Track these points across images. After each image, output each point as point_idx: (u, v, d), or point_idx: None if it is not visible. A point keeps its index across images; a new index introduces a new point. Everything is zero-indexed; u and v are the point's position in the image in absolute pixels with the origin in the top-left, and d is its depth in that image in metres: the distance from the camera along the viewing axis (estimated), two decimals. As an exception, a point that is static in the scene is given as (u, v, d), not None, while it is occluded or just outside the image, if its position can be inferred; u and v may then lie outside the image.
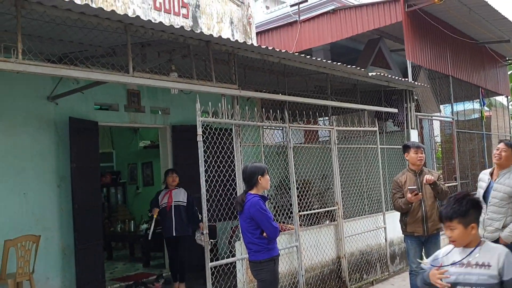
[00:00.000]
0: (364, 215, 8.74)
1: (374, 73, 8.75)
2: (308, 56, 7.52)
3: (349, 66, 8.15)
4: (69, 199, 7.82)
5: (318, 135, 11.92)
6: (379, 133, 9.13)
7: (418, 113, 10.84)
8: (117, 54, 6.81)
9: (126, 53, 5.45)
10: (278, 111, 7.15)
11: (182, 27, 5.45)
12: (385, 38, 12.59)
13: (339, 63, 7.98)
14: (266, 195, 5.15)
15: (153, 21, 5.38)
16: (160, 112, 9.92)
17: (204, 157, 5.75)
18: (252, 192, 4.63)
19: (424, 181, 5.94)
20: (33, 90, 7.58)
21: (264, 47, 6.69)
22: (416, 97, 10.80)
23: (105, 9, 4.77)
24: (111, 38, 6.03)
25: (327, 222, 8.17)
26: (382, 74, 9.12)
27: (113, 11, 4.76)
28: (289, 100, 8.02)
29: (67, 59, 6.20)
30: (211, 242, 5.70)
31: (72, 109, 8.09)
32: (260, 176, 4.62)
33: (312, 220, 7.77)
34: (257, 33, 12.76)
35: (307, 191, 7.84)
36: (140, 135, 13.96)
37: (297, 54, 7.23)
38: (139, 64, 6.44)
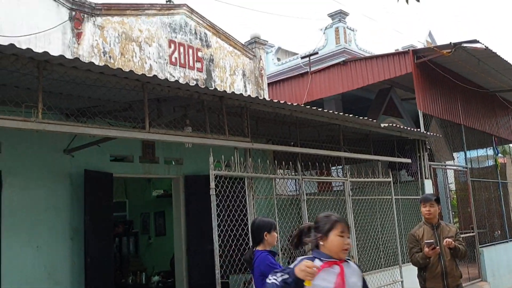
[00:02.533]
0: (380, 268, 8.54)
1: (386, 124, 8.80)
2: (320, 109, 7.62)
3: (361, 117, 8.23)
4: (81, 252, 7.79)
5: (331, 184, 11.87)
6: (393, 183, 9.07)
7: (432, 163, 10.79)
8: (134, 108, 6.98)
9: (142, 108, 5.58)
10: (290, 162, 7.18)
11: (197, 84, 5.61)
12: (396, 88, 12.75)
13: (350, 115, 8.06)
14: (276, 249, 5.05)
15: (169, 75, 5.58)
16: (173, 163, 10.01)
17: (217, 211, 5.74)
18: (259, 248, 4.54)
19: (444, 244, 5.80)
20: (50, 144, 7.72)
21: (276, 100, 6.81)
22: (429, 146, 10.79)
23: (122, 65, 4.95)
24: (129, 95, 6.19)
25: (342, 275, 7.98)
26: (394, 125, 9.17)
27: (131, 71, 4.92)
28: (302, 152, 8.06)
29: (83, 114, 6.41)
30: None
31: (87, 162, 8.20)
32: (266, 232, 4.51)
33: (327, 273, 7.59)
34: (269, 84, 13.01)
35: (321, 244, 7.71)
36: (153, 184, 14.01)
37: (308, 107, 7.34)
38: (154, 119, 6.58)
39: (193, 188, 9.72)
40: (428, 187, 10.11)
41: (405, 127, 9.59)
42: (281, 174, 7.13)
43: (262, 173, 6.65)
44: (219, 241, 5.75)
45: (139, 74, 5.00)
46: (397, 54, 10.93)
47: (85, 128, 4.79)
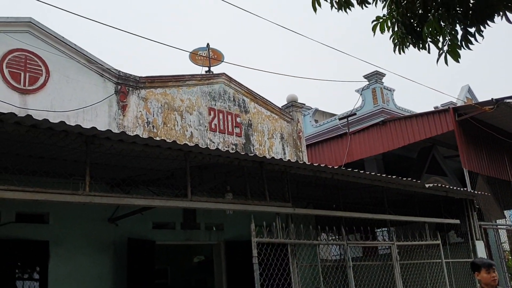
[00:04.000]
0: (435, 338, 8.00)
1: (430, 185, 8.55)
2: (362, 171, 7.51)
3: (404, 178, 8.05)
4: (124, 322, 7.70)
5: (377, 247, 11.46)
6: (442, 245, 8.67)
7: (482, 222, 10.30)
8: (176, 176, 7.10)
9: (184, 176, 5.67)
10: (334, 227, 7.02)
11: (237, 151, 5.68)
12: (438, 145, 12.50)
13: (393, 176, 7.90)
14: None
15: (209, 142, 5.70)
16: (214, 228, 9.97)
17: (260, 280, 5.61)
18: None
19: None
20: (95, 213, 7.87)
21: (316, 164, 6.78)
22: (477, 206, 10.35)
23: (165, 134, 5.11)
24: (171, 164, 6.32)
25: None
26: (438, 184, 8.90)
27: (174, 141, 5.06)
28: (345, 216, 7.89)
29: (127, 184, 6.56)
30: None
31: (131, 230, 8.28)
32: None
33: None
34: (307, 146, 13.03)
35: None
36: (194, 250, 13.93)
37: (349, 169, 7.26)
38: (196, 186, 6.66)
39: (235, 254, 9.60)
40: (480, 249, 9.59)
41: (450, 186, 9.28)
42: (325, 239, 6.95)
43: (305, 239, 6.51)
44: (263, 312, 5.57)
45: (182, 144, 5.13)
46: (437, 112, 10.82)
47: (130, 199, 4.88)
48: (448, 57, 4.78)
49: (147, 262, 8.37)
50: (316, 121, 16.13)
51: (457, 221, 9.30)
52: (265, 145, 11.37)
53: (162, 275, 14.56)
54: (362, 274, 8.14)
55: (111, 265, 7.99)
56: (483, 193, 10.05)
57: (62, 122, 4.26)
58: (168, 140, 5.03)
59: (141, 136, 5.05)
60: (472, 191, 9.69)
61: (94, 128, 4.47)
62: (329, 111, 17.48)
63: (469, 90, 16.88)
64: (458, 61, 5.39)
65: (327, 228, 6.87)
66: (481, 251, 9.48)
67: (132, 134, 4.92)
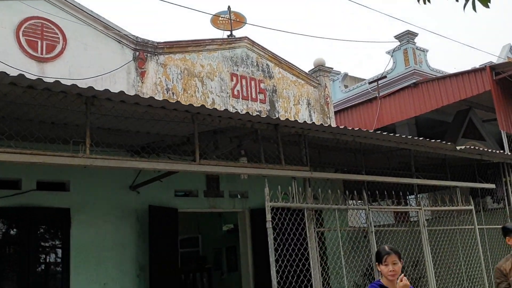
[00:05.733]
0: (466, 306, 7.66)
1: (462, 147, 8.06)
2: (392, 134, 7.12)
3: (433, 140, 7.59)
4: (147, 288, 7.75)
5: (408, 215, 11.07)
6: (476, 211, 8.21)
7: (521, 187, 9.70)
8: (192, 142, 6.93)
9: (200, 141, 5.48)
10: (355, 191, 6.72)
11: (247, 113, 5.44)
12: (476, 109, 11.82)
13: (421, 138, 7.47)
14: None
15: (231, 108, 5.47)
16: (239, 196, 9.86)
17: (274, 245, 5.42)
18: (381, 278, 4.12)
19: None
20: (116, 181, 7.87)
21: (335, 126, 6.45)
22: (516, 170, 9.74)
23: (185, 101, 4.91)
24: (187, 128, 6.13)
25: (422, 315, 7.24)
26: (473, 147, 8.38)
27: (178, 102, 4.87)
28: (367, 180, 7.55)
29: (145, 150, 6.46)
30: None
31: (152, 197, 8.26)
32: (378, 263, 4.10)
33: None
34: (336, 112, 12.62)
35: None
36: (224, 219, 13.94)
37: (371, 131, 6.88)
38: (211, 151, 6.49)
39: (259, 221, 9.41)
40: (519, 215, 9.06)
41: (486, 149, 8.73)
42: (346, 205, 6.67)
43: (324, 204, 6.26)
44: (277, 278, 5.40)
45: (187, 105, 4.93)
46: (472, 71, 10.15)
47: (133, 162, 4.76)
48: (477, 2, 4.33)
49: (170, 229, 8.35)
50: (346, 86, 15.58)
51: (492, 186, 8.78)
52: (291, 112, 11.06)
53: (194, 243, 14.71)
54: (387, 241, 7.83)
55: (134, 232, 8.01)
56: (522, 156, 9.43)
57: (58, 82, 4.13)
58: (171, 101, 4.83)
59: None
60: (509, 153, 9.09)
61: (92, 88, 4.32)
62: (361, 76, 16.86)
63: (511, 49, 15.83)
64: (487, 6, 4.87)
65: (347, 193, 6.57)
66: (519, 217, 8.95)
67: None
